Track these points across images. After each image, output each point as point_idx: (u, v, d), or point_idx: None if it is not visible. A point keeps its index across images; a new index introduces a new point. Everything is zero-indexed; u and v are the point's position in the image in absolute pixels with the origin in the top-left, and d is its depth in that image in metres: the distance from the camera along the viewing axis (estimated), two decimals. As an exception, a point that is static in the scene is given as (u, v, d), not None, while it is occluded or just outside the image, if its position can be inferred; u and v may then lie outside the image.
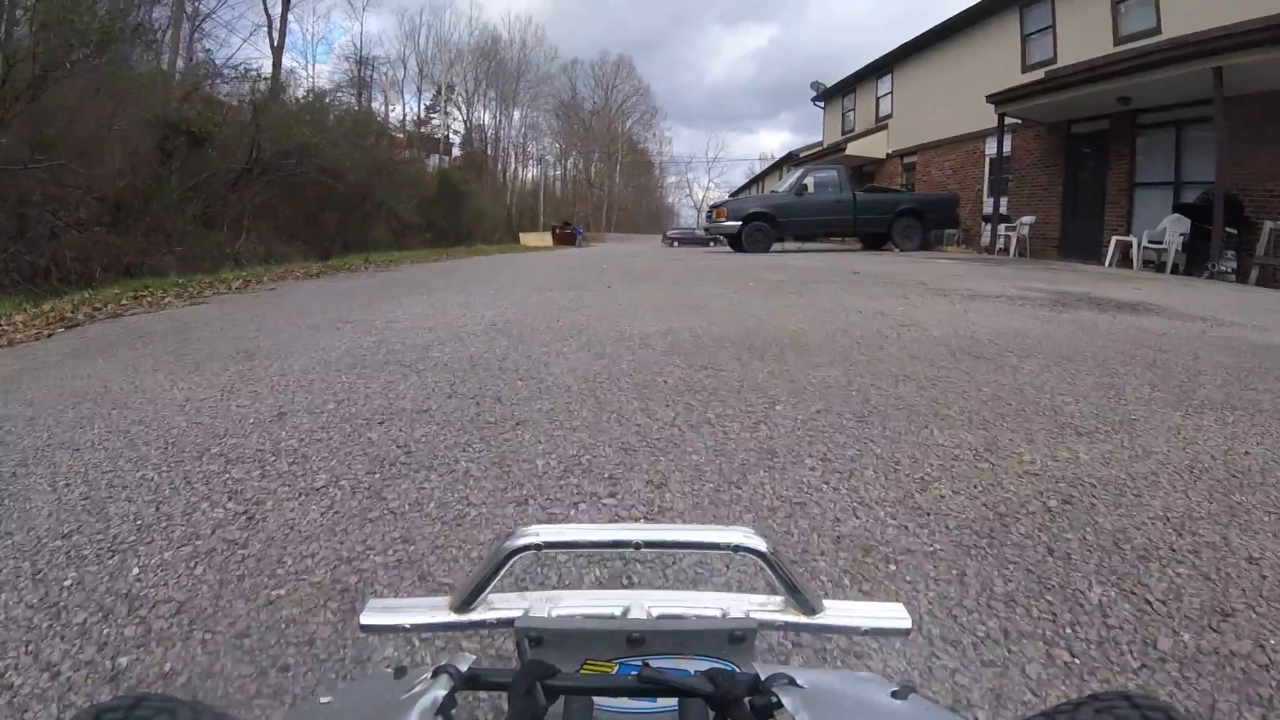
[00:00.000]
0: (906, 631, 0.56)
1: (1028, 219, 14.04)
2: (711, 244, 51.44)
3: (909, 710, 0.46)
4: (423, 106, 57.70)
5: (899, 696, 0.47)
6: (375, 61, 50.50)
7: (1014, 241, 13.81)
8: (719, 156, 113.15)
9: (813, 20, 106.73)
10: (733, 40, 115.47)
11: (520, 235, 44.67)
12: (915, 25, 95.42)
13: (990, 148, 16.53)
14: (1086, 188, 13.67)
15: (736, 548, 0.53)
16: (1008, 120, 13.95)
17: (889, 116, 20.91)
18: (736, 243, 16.58)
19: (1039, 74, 14.17)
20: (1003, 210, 15.16)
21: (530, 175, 62.21)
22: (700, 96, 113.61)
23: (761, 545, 0.54)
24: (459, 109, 63.39)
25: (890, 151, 20.87)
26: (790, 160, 36.27)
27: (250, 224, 15.64)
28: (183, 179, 13.21)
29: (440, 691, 0.45)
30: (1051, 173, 14.64)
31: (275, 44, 37.53)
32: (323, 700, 0.50)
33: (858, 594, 1.51)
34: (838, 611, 0.56)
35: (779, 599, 0.56)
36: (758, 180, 49.75)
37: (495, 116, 63.43)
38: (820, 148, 26.07)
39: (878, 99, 21.67)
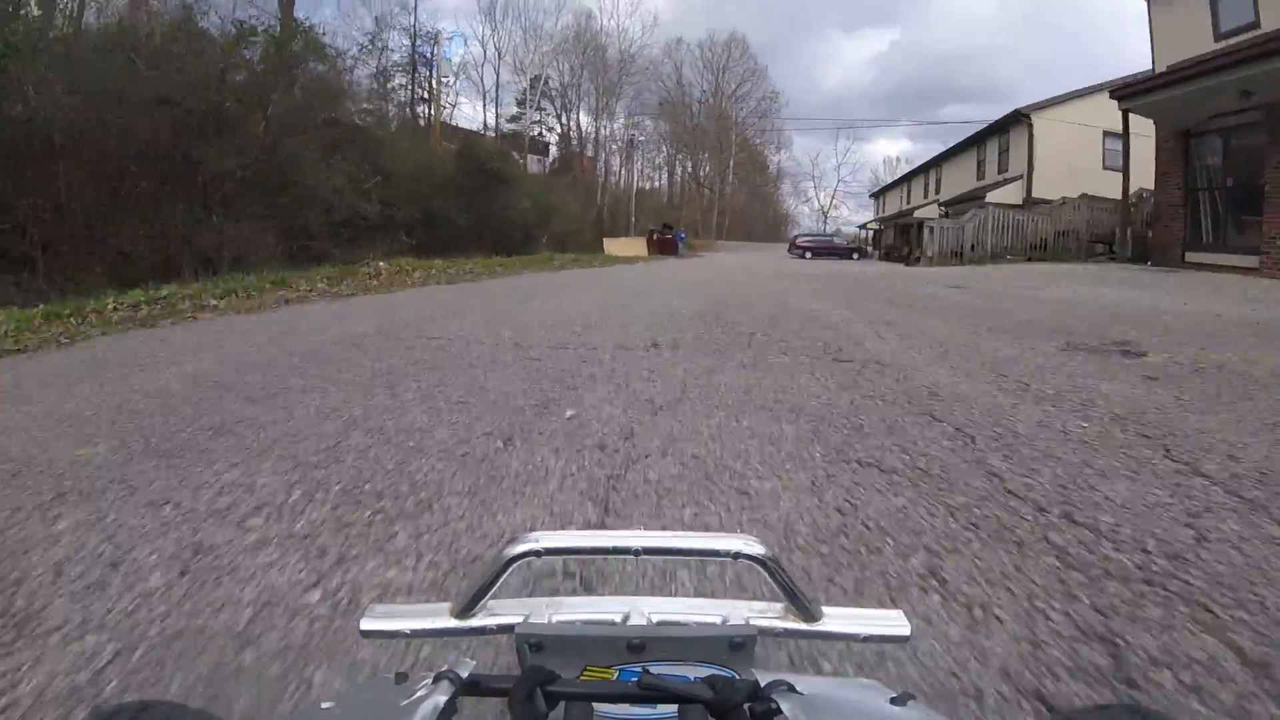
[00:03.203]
0: (906, 638, 0.57)
1: None
2: (856, 255, 39.41)
3: (908, 718, 0.46)
4: (496, 98, 49.14)
5: (898, 704, 0.47)
6: (439, 36, 41.74)
7: None
8: (852, 143, 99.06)
9: (934, 23, 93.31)
10: (851, 46, 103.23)
11: (605, 241, 34.39)
12: (1040, 23, 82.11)
13: None
14: None
15: (737, 555, 0.54)
16: None
17: None
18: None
19: None
20: None
21: (634, 177, 51.72)
22: (816, 104, 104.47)
23: (762, 552, 0.54)
24: (552, 103, 54.95)
25: None
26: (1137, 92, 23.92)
27: None
28: None
29: (441, 697, 0.45)
30: None
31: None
32: (324, 705, 0.50)
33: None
34: (837, 618, 0.56)
35: (779, 606, 0.57)
36: (916, 175, 37.27)
37: (594, 109, 54.52)
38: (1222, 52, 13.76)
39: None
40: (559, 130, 55.85)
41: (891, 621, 0.57)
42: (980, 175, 26.08)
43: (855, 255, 40.32)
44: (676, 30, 70.11)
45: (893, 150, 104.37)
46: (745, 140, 70.74)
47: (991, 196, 21.39)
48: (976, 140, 26.47)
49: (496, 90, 49.31)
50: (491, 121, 49.57)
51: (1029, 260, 18.24)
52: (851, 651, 1.27)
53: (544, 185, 34.45)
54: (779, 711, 0.43)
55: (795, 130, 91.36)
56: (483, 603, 0.56)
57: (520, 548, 0.54)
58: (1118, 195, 20.83)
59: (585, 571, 1.57)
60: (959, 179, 27.76)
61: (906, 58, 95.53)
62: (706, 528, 1.93)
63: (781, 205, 79.34)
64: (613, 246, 33.86)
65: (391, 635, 0.57)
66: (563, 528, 1.69)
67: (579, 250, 31.43)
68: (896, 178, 44.31)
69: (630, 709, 0.48)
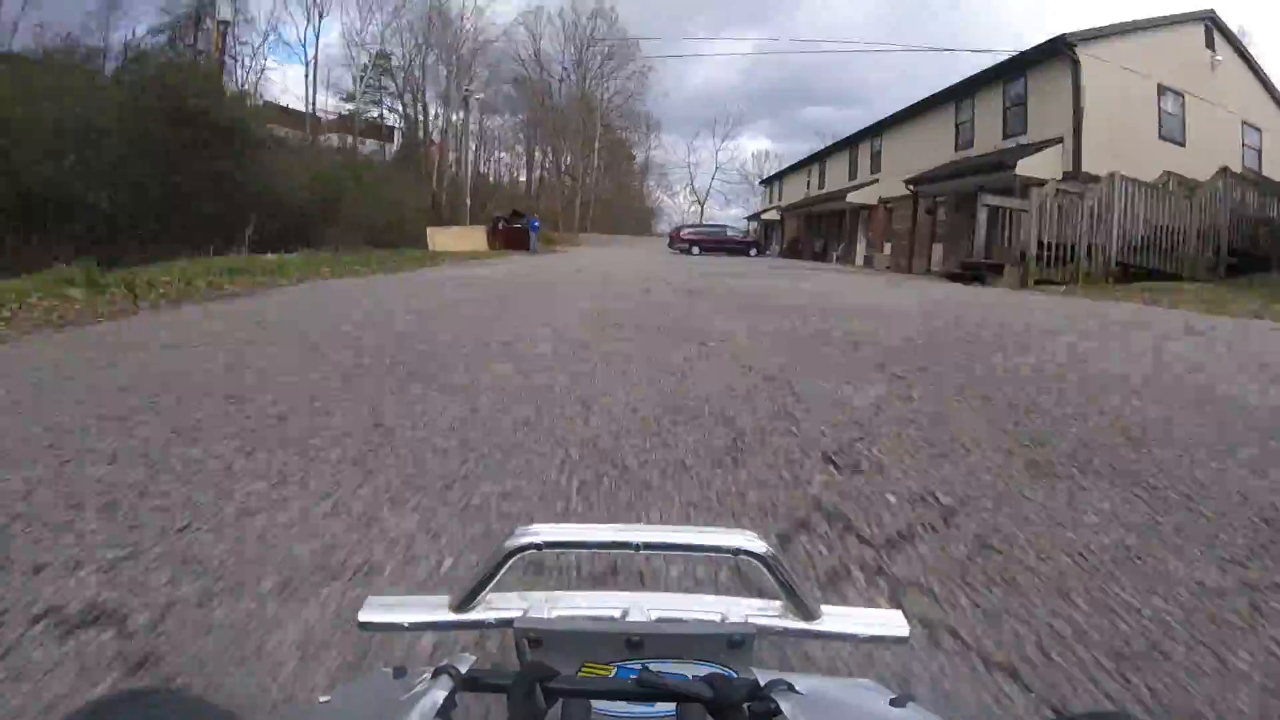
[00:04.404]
0: (905, 639, 0.57)
1: None
2: (753, 251, 31.90)
3: (907, 718, 0.46)
4: (313, 69, 38.48)
5: (897, 704, 0.47)
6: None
7: None
8: (731, 128, 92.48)
9: (800, 27, 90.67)
10: (719, 45, 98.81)
11: (430, 233, 24.30)
12: (903, 32, 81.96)
13: None
14: None
15: (737, 551, 0.53)
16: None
17: None
18: None
19: None
20: None
21: (466, 145, 41.31)
22: (681, 100, 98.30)
23: (763, 549, 0.53)
24: (394, 80, 44.87)
25: None
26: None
27: None
28: None
29: (440, 692, 0.44)
30: None
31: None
32: (322, 700, 0.50)
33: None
34: (836, 618, 0.56)
35: (778, 604, 0.56)
36: (837, 152, 30.04)
37: (438, 83, 44.75)
38: None
39: None
40: (401, 113, 46.14)
41: (890, 622, 0.56)
42: (964, 143, 18.59)
43: (753, 251, 32.68)
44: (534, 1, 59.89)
45: (756, 147, 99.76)
46: (610, 128, 62.21)
47: (1022, 168, 13.64)
48: (956, 94, 18.90)
49: (316, 59, 37.78)
50: (323, 102, 39.52)
51: (1150, 279, 10.47)
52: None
53: (338, 161, 23.90)
54: (778, 711, 0.43)
55: (666, 127, 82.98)
56: (481, 596, 0.55)
57: (519, 541, 0.53)
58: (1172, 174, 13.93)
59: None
60: (921, 150, 20.26)
61: (772, 60, 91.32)
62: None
63: (650, 197, 71.55)
64: (441, 239, 23.85)
65: (390, 628, 0.57)
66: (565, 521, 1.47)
67: (406, 244, 21.43)
68: (799, 159, 36.95)
69: (628, 706, 0.48)
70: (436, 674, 0.46)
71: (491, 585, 0.54)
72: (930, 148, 19.77)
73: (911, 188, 19.09)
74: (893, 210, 22.59)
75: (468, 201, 25.70)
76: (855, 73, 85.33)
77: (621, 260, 20.26)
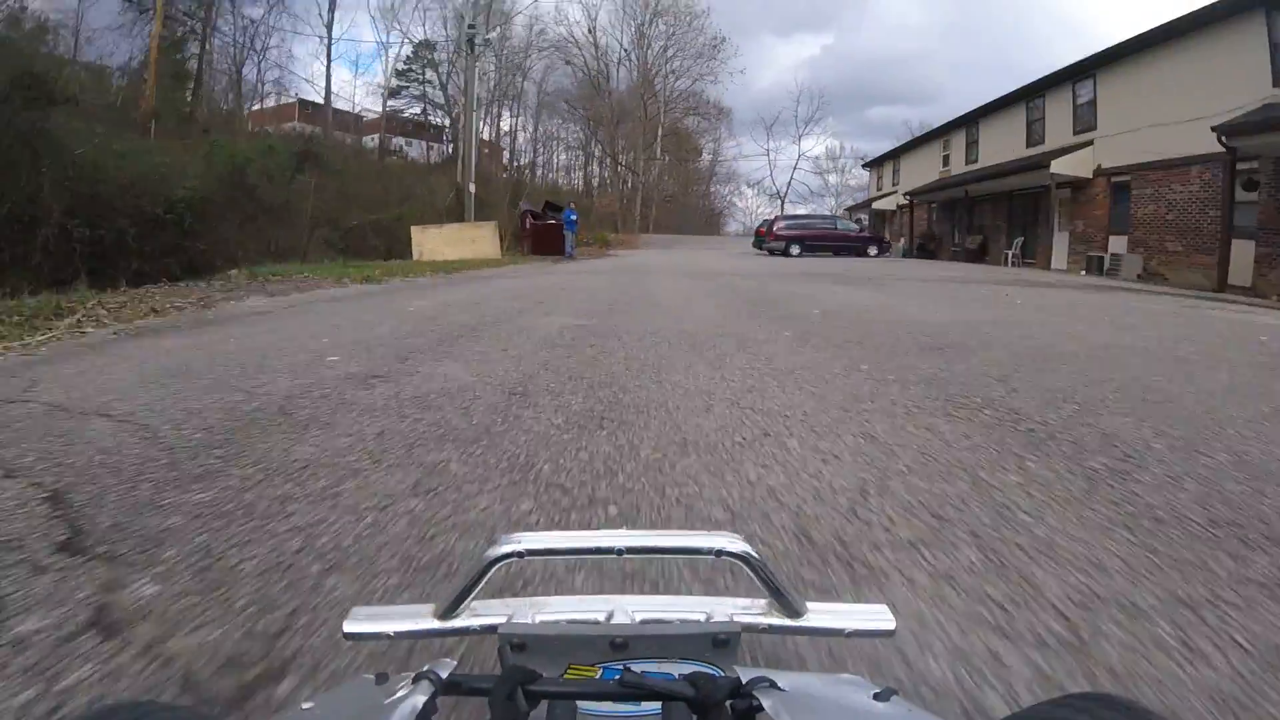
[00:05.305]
0: (891, 633, 0.56)
1: None
2: (874, 250, 23.81)
3: (891, 713, 0.46)
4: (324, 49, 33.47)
5: (881, 699, 0.46)
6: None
7: None
8: (811, 121, 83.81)
9: (866, 28, 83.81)
10: (785, 50, 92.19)
11: (415, 235, 17.00)
12: (967, 32, 69.11)
13: None
14: None
15: (719, 552, 0.53)
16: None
17: None
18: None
19: None
20: None
21: (471, 101, 34.28)
22: (747, 104, 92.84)
23: (744, 549, 0.53)
24: (437, 72, 41.64)
25: None
26: None
27: None
28: None
29: (421, 698, 0.44)
30: None
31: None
32: (304, 706, 0.50)
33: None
34: (821, 614, 0.56)
35: (763, 602, 0.56)
36: (994, 113, 21.36)
37: (491, 84, 39.70)
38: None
39: None
40: (446, 108, 41.68)
41: (875, 616, 0.56)
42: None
43: (873, 249, 24.33)
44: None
45: (818, 148, 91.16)
46: (674, 115, 54.53)
47: None
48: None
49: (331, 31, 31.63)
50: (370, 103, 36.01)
51: None
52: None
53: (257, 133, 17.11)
54: (760, 708, 0.43)
55: (735, 127, 73.54)
56: (466, 603, 0.54)
57: (502, 549, 0.52)
58: None
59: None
60: (1192, 89, 12.04)
61: (838, 61, 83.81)
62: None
63: (718, 196, 63.62)
64: (431, 243, 16.54)
65: (375, 637, 0.57)
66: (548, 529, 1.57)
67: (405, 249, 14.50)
68: (926, 130, 28.24)
69: (615, 707, 0.48)
70: (417, 679, 0.46)
71: (475, 593, 0.53)
72: (1213, 84, 11.34)
73: (1223, 140, 10.52)
74: (1129, 185, 14.02)
75: (471, 189, 18.21)
76: (915, 72, 77.16)
77: (694, 273, 12.71)
